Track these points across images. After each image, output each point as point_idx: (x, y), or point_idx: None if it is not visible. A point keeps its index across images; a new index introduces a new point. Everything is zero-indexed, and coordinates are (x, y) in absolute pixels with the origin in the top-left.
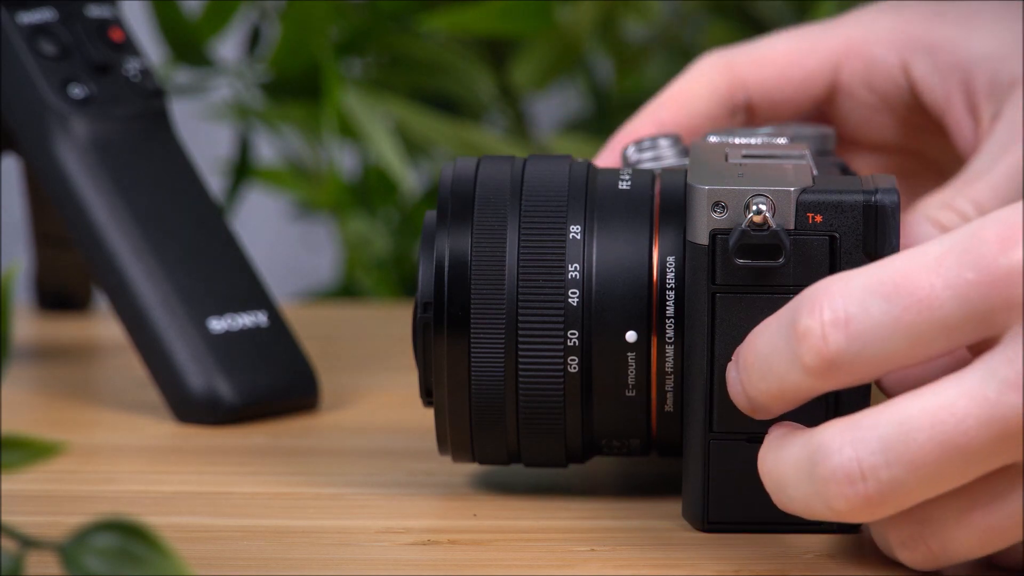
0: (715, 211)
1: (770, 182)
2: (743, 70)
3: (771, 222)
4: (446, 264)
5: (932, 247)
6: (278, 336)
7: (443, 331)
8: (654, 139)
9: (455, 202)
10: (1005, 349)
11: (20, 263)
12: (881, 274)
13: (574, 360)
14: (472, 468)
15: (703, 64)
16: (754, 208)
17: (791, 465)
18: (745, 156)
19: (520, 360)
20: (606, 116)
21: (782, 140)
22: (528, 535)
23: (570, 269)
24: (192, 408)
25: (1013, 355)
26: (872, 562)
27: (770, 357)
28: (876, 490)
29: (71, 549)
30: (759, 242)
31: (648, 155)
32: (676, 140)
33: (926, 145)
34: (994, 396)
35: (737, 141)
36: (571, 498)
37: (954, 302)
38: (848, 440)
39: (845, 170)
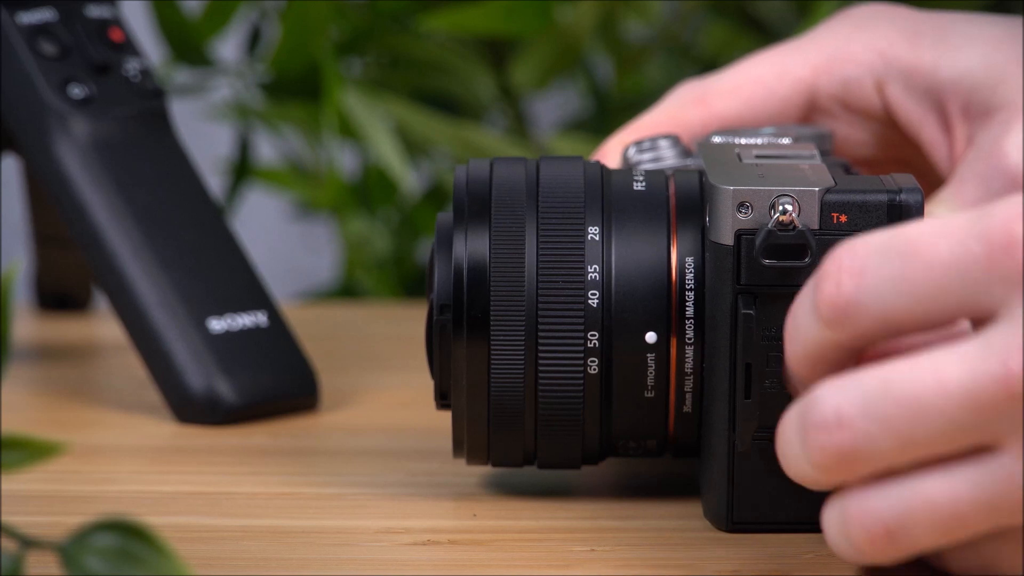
0: (740, 211)
1: (794, 182)
2: (717, 104)
3: (797, 222)
4: (464, 266)
5: (952, 218)
6: (278, 336)
7: (462, 333)
8: (653, 140)
9: (472, 204)
10: (1001, 322)
11: (20, 263)
12: (900, 234)
13: (594, 361)
14: (472, 468)
15: (678, 96)
16: (780, 208)
17: (789, 423)
18: (758, 156)
19: (540, 362)
20: (606, 116)
21: (786, 140)
22: (528, 535)
23: (590, 271)
24: (192, 408)
25: (1008, 328)
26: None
27: (797, 313)
28: (850, 441)
29: (71, 549)
30: (785, 242)
31: (648, 156)
32: (675, 141)
33: (909, 156)
34: (980, 364)
35: (744, 141)
36: (571, 499)
37: (955, 268)
38: (835, 390)
39: (848, 169)
